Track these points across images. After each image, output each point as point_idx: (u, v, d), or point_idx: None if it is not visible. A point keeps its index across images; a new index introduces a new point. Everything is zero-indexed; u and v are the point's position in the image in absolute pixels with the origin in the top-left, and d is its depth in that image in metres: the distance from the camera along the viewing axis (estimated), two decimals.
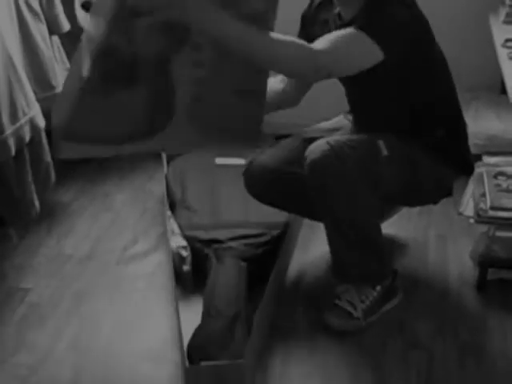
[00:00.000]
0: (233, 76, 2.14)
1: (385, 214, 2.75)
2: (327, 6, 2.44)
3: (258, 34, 2.01)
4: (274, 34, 2.04)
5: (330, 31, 2.29)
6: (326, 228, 2.43)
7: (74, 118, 2.05)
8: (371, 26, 2.19)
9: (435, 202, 2.63)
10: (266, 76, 2.16)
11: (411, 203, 2.69)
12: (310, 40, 2.18)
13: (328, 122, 2.72)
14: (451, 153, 2.48)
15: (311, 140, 2.42)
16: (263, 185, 2.56)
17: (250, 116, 2.22)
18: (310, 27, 2.49)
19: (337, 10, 2.39)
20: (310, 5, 2.53)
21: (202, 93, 2.13)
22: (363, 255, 2.41)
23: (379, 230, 2.45)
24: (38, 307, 2.56)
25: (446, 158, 2.46)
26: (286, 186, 2.52)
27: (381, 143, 2.35)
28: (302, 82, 2.59)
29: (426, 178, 2.46)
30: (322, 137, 2.40)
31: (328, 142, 2.29)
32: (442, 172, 2.48)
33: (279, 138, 2.87)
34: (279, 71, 2.25)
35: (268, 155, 2.56)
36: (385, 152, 2.35)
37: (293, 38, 2.11)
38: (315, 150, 2.30)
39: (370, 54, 2.19)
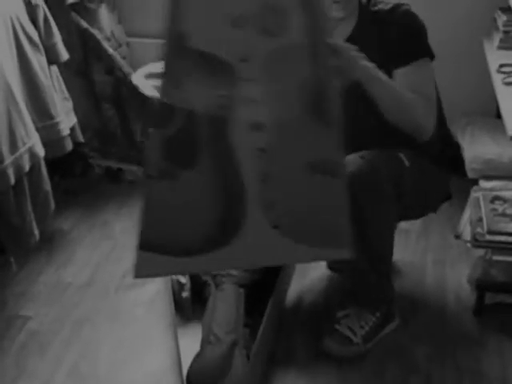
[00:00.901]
0: (301, 143, 1.93)
1: None
2: None
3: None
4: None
5: None
6: None
7: (147, 213, 1.97)
8: (423, 47, 2.35)
9: (435, 210, 2.64)
10: (341, 145, 1.97)
11: (420, 214, 2.67)
12: None
13: None
14: (447, 156, 2.52)
15: None
16: None
17: (332, 202, 1.97)
18: None
19: None
20: None
21: (267, 168, 1.91)
22: (379, 277, 2.45)
23: (393, 251, 2.49)
24: (37, 335, 2.57)
25: (444, 161, 2.49)
26: None
27: (401, 155, 2.39)
28: None
29: (434, 185, 2.49)
30: None
31: (361, 156, 2.31)
32: (443, 177, 2.52)
33: None
34: (409, 126, 2.29)
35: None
36: (407, 163, 2.38)
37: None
38: (349, 163, 2.28)
39: (433, 73, 2.38)
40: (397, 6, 2.38)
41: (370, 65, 2.16)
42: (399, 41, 2.32)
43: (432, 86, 2.36)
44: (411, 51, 2.33)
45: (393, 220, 2.41)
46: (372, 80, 2.17)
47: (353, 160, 2.30)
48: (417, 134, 2.30)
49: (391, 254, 2.48)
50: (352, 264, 2.43)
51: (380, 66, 2.26)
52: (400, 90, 2.25)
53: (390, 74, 2.29)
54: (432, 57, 2.37)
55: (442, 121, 2.52)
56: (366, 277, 2.45)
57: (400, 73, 2.31)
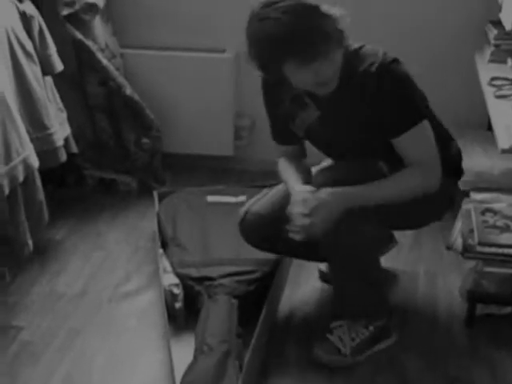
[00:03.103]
0: None
1: (383, 249, 2.80)
2: (284, 84, 2.36)
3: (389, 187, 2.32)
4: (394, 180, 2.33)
5: (305, 103, 2.38)
6: (333, 268, 2.48)
7: None
8: (415, 112, 2.31)
9: (440, 218, 2.61)
10: None
11: (419, 225, 2.67)
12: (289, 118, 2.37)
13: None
14: (448, 161, 2.52)
15: None
16: (260, 234, 2.58)
17: None
18: (277, 107, 2.48)
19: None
20: (266, 84, 2.49)
21: None
22: (368, 294, 2.47)
23: (380, 265, 2.51)
24: (30, 345, 2.57)
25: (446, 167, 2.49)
26: (282, 233, 2.54)
27: (380, 164, 2.42)
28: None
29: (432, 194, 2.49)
30: None
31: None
32: (446, 184, 2.50)
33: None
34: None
35: (262, 204, 2.58)
36: (385, 170, 2.40)
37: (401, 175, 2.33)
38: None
39: (430, 130, 2.35)
40: (383, 69, 2.26)
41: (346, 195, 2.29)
42: (391, 112, 2.29)
43: (431, 144, 2.34)
44: (405, 122, 2.30)
45: (375, 242, 2.46)
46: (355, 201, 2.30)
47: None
48: (425, 192, 2.35)
49: (379, 271, 2.50)
50: (343, 279, 2.46)
51: (367, 125, 2.31)
52: (383, 187, 2.32)
53: (379, 129, 2.31)
54: (425, 116, 2.33)
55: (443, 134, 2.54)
56: (358, 290, 2.46)
57: (398, 141, 2.31)
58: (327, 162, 2.64)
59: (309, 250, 2.55)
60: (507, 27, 2.89)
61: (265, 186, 2.76)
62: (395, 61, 2.29)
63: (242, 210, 2.60)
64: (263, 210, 2.55)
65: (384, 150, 2.36)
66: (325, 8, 2.19)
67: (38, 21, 2.99)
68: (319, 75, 2.22)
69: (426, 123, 2.32)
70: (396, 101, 2.28)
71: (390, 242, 2.85)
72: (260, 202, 2.59)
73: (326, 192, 2.29)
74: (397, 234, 2.82)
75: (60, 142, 3.07)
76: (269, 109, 2.52)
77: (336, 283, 2.55)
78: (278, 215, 2.46)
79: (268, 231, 2.54)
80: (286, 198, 2.47)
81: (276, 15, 2.13)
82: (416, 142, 2.32)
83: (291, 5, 2.15)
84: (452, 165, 2.52)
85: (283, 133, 2.54)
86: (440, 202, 2.53)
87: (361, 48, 2.33)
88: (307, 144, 2.58)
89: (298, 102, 2.43)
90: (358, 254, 2.37)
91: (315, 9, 2.17)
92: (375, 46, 2.33)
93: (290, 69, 2.19)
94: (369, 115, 2.30)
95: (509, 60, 3.01)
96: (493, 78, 2.87)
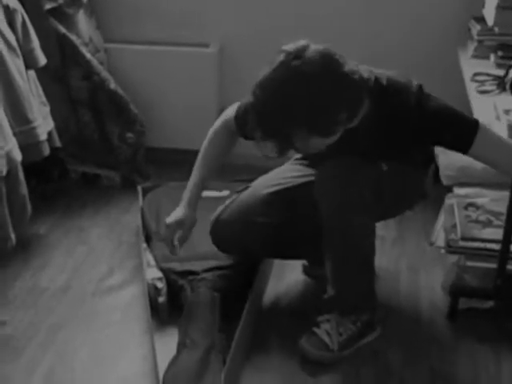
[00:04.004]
0: None
1: None
2: None
3: None
4: None
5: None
6: (331, 261, 2.46)
7: None
8: (468, 121, 2.31)
9: (412, 208, 2.66)
10: None
11: (396, 213, 2.70)
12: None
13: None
14: (424, 156, 2.55)
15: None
16: (233, 242, 2.63)
17: None
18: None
19: None
20: (244, 123, 2.38)
21: None
22: (363, 286, 2.48)
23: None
24: (13, 339, 2.55)
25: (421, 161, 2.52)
26: (256, 238, 2.57)
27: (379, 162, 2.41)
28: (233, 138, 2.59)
29: (410, 184, 2.50)
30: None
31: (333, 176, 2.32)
32: (419, 176, 2.54)
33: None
34: None
35: (231, 211, 2.61)
36: (384, 167, 2.39)
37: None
38: (324, 175, 2.33)
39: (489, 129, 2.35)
40: (414, 102, 2.27)
41: None
42: (447, 138, 2.31)
43: (500, 138, 2.34)
44: (464, 140, 2.29)
45: (372, 228, 2.43)
46: None
47: (327, 176, 2.33)
48: None
49: (373, 260, 2.49)
50: (336, 272, 2.46)
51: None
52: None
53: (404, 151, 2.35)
54: (476, 121, 2.32)
55: None
56: (353, 286, 2.46)
57: (473, 153, 2.31)
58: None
59: (280, 250, 2.59)
60: (490, 23, 2.91)
61: (247, 180, 2.76)
62: (422, 91, 2.31)
63: (212, 218, 2.63)
64: (232, 217, 2.59)
65: (392, 154, 2.37)
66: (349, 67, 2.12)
67: (21, 14, 2.97)
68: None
69: (483, 125, 2.30)
70: (448, 121, 2.29)
71: None
72: (228, 209, 2.62)
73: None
74: (380, 229, 2.82)
75: (43, 136, 3.06)
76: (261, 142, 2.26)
77: (334, 275, 2.48)
78: (245, 221, 2.55)
79: (240, 237, 2.59)
80: (254, 204, 2.55)
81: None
82: (490, 144, 2.32)
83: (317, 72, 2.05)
84: (423, 156, 2.54)
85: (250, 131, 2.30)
86: (412, 192, 2.57)
87: (389, 80, 2.30)
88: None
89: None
90: (355, 237, 2.36)
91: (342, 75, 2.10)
92: (384, 71, 2.33)
93: (300, 135, 2.12)
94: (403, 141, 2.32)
95: (491, 56, 3.02)
96: (475, 74, 2.88)
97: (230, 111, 2.53)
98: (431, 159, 2.63)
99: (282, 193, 2.56)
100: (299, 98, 2.04)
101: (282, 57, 2.07)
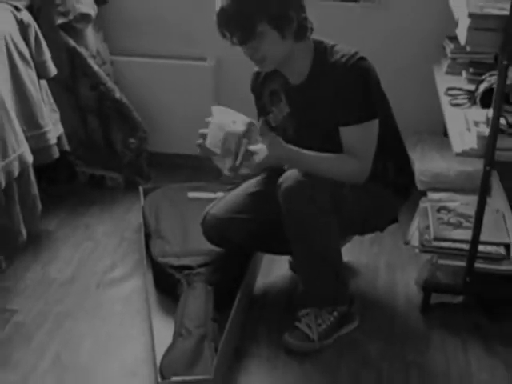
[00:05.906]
0: None
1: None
2: (272, 76, 2.45)
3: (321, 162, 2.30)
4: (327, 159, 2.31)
5: (280, 99, 2.39)
6: (296, 255, 2.48)
7: None
8: (368, 110, 2.29)
9: (382, 229, 2.64)
10: None
11: (363, 231, 2.68)
12: (265, 112, 2.37)
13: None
14: (398, 181, 2.51)
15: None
16: (219, 235, 2.62)
17: None
18: (259, 100, 2.54)
19: (282, 78, 2.42)
20: (256, 78, 2.54)
21: None
22: (328, 280, 2.45)
23: (341, 256, 2.49)
24: (23, 327, 2.55)
25: (394, 185, 2.49)
26: (239, 233, 2.57)
27: None
28: None
29: (378, 205, 2.48)
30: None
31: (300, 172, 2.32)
32: (390, 199, 2.51)
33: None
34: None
35: (219, 207, 2.61)
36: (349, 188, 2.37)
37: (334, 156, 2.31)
38: (289, 177, 2.32)
39: (376, 129, 2.32)
40: (352, 61, 2.28)
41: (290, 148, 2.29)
42: (348, 102, 2.28)
43: (371, 146, 2.33)
44: (356, 116, 2.29)
45: (333, 228, 2.37)
46: (291, 161, 2.33)
47: (293, 174, 2.32)
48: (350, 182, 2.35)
49: (339, 258, 2.47)
50: (299, 267, 2.47)
51: (329, 116, 2.30)
52: (320, 160, 2.31)
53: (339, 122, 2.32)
54: (375, 116, 2.31)
55: (399, 152, 2.54)
56: (318, 280, 2.45)
57: (344, 130, 2.31)
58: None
59: (266, 245, 2.59)
60: (462, 42, 2.90)
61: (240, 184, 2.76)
62: (363, 58, 2.30)
63: (203, 213, 2.62)
64: (220, 212, 2.59)
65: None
66: None
67: (35, 29, 2.96)
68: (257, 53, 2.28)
69: (375, 123, 2.31)
70: (354, 93, 2.28)
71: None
72: (217, 205, 2.62)
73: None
74: None
75: (53, 140, 3.05)
76: (255, 102, 2.55)
77: (300, 270, 2.54)
78: (230, 217, 2.55)
79: (225, 231, 2.58)
80: (239, 202, 2.57)
81: None
82: (359, 138, 2.31)
83: None
84: (402, 186, 2.53)
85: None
86: (386, 216, 2.57)
87: (335, 45, 2.34)
88: None
89: (274, 98, 2.44)
90: (313, 223, 2.33)
91: None
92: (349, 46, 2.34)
93: (261, 29, 2.23)
94: (333, 103, 2.30)
95: (463, 72, 3.02)
96: (449, 88, 2.87)
97: None
98: (410, 187, 2.60)
99: (263, 192, 2.57)
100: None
101: None
